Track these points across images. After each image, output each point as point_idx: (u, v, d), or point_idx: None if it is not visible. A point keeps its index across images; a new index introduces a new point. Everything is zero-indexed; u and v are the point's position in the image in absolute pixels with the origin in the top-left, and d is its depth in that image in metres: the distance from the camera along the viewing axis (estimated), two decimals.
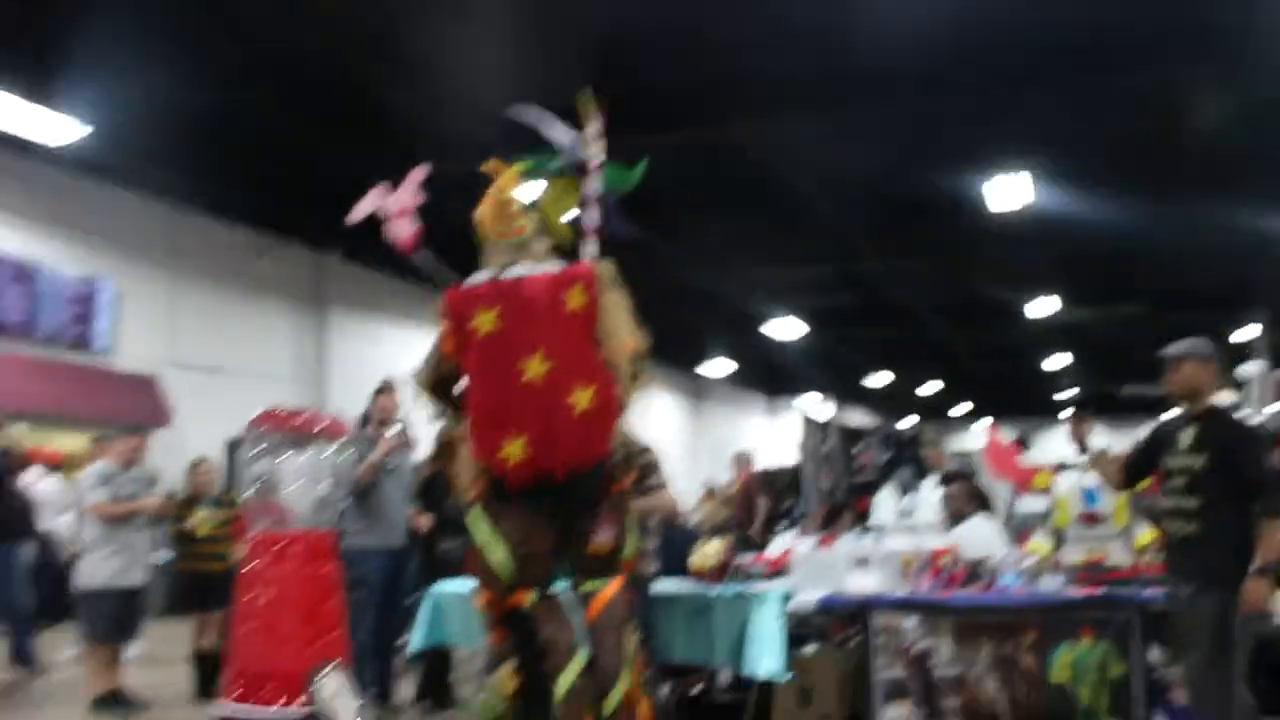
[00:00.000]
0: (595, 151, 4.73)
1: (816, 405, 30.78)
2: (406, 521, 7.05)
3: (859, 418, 33.20)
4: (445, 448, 7.20)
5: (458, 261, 4.51)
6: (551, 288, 4.15)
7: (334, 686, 1.56)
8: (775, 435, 29.73)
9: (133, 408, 12.39)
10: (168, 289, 13.63)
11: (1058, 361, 25.98)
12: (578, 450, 4.05)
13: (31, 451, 10.12)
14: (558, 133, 4.72)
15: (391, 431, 6.92)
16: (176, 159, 11.82)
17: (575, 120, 4.75)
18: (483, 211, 4.35)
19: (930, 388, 31.47)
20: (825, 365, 26.64)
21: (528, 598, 4.06)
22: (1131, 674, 5.16)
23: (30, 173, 11.53)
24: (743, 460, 13.35)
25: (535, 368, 4.01)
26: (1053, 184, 11.88)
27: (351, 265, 16.13)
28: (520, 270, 4.21)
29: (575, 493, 4.10)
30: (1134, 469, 5.12)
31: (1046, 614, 5.41)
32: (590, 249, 4.70)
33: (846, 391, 31.89)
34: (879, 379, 29.33)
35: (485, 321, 4.08)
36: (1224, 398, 5.53)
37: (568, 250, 4.60)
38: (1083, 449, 5.32)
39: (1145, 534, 5.93)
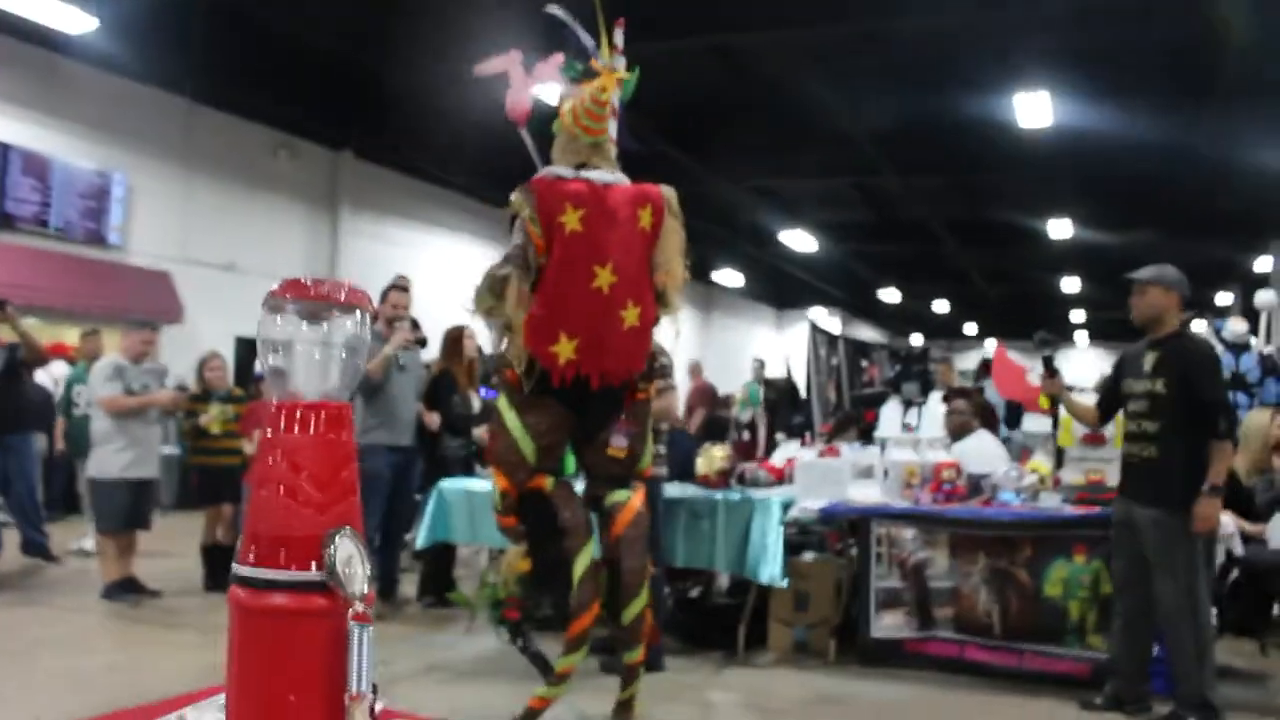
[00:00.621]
0: (618, 63, 4.67)
1: (826, 319, 30.70)
2: (415, 419, 7.13)
3: (868, 333, 33.15)
4: (453, 345, 7.25)
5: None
6: (630, 203, 4.19)
7: (346, 553, 1.59)
8: (783, 347, 29.70)
9: (145, 302, 12.39)
10: (182, 184, 13.58)
11: (1069, 285, 25.84)
12: (618, 363, 4.17)
13: (53, 347, 10.11)
14: (583, 37, 4.65)
15: (402, 328, 6.94)
16: (193, 53, 11.70)
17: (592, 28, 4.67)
18: (574, 106, 4.27)
19: (940, 306, 31.39)
20: (836, 279, 26.54)
21: (547, 482, 4.16)
22: None
23: (44, 64, 11.42)
24: (694, 369, 13.61)
25: (604, 277, 4.06)
26: (1074, 104, 11.71)
27: (364, 164, 16.03)
28: (606, 177, 4.21)
29: (604, 399, 4.19)
30: (1105, 403, 5.22)
31: (1042, 530, 5.49)
32: None
33: (856, 307, 31.83)
34: (889, 295, 29.25)
35: (572, 219, 4.08)
36: (1194, 327, 5.56)
37: None
38: (1054, 403, 5.45)
39: None
